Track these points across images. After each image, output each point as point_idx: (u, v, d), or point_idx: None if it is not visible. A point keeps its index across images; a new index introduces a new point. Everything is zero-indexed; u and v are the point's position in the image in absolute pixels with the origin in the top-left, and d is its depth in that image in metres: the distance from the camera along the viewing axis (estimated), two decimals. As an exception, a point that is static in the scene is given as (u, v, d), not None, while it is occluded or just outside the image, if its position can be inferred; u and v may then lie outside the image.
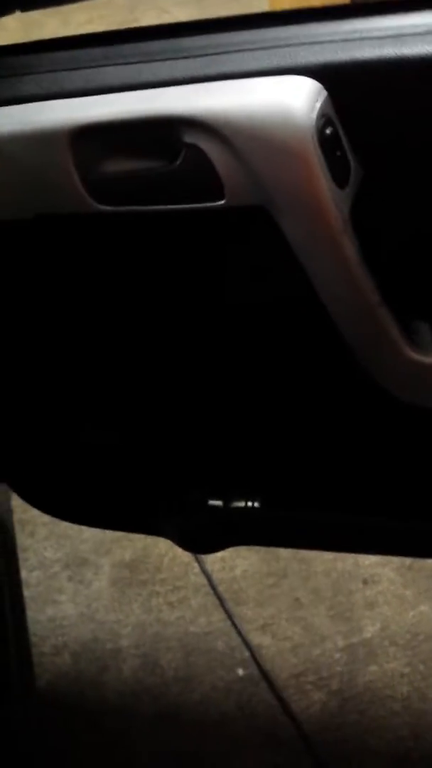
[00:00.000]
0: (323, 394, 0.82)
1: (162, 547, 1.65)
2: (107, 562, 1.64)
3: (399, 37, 0.60)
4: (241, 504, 0.93)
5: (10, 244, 0.75)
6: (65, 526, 1.71)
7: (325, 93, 0.60)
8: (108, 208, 0.67)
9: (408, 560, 1.55)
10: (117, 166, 0.65)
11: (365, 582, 1.53)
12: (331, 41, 0.61)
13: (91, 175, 0.65)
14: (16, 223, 0.72)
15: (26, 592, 1.50)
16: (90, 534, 1.69)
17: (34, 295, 0.81)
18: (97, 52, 0.68)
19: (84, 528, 1.69)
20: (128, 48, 0.67)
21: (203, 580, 1.59)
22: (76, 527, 1.69)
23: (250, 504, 0.93)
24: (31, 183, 0.68)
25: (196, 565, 1.62)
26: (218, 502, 0.94)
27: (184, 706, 1.41)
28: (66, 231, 0.72)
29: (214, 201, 0.64)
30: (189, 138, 0.62)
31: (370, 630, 1.46)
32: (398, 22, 0.61)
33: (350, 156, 0.63)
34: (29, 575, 1.61)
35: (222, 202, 0.64)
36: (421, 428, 0.81)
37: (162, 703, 1.41)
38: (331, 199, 0.62)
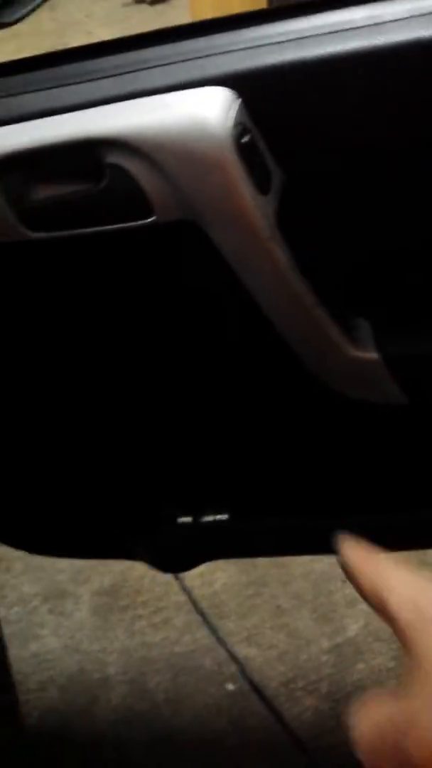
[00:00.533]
0: (274, 399, 0.83)
1: (140, 570, 1.64)
2: (86, 591, 1.63)
3: (299, 39, 0.61)
4: (210, 518, 0.93)
5: None
6: (40, 558, 1.70)
7: (238, 101, 0.61)
8: (41, 234, 0.67)
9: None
10: (44, 192, 0.65)
11: (344, 580, 1.52)
12: (238, 49, 0.62)
13: (19, 203, 0.65)
14: None
15: (7, 630, 1.48)
16: (66, 564, 1.67)
17: None
18: (11, 81, 0.68)
19: (60, 558, 1.68)
20: (41, 74, 0.67)
21: (184, 598, 1.59)
22: (51, 558, 1.68)
23: (218, 517, 0.93)
24: None
25: (176, 583, 1.61)
26: (188, 519, 0.94)
27: (177, 728, 1.40)
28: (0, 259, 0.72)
29: (144, 219, 0.64)
30: (111, 158, 0.62)
31: (353, 628, 1.47)
32: (300, 26, 0.62)
33: (270, 162, 0.64)
34: (9, 612, 1.59)
35: (152, 219, 0.64)
36: (370, 423, 0.81)
37: (155, 727, 1.40)
38: (254, 206, 0.63)
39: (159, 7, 4.31)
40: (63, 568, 1.68)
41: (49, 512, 1.02)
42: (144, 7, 4.36)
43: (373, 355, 0.74)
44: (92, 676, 1.49)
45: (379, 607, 0.39)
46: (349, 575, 0.42)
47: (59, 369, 0.83)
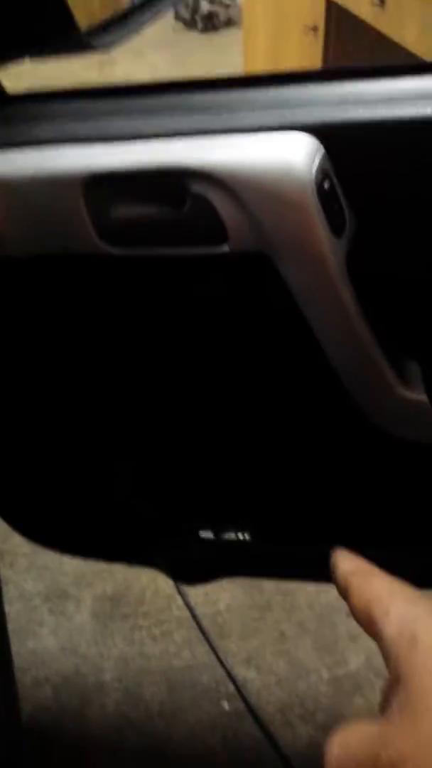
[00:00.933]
0: (319, 432, 0.86)
1: (144, 580, 1.64)
2: (89, 595, 1.62)
3: (389, 100, 0.65)
4: (232, 536, 0.95)
5: (16, 281, 0.77)
6: (46, 557, 1.69)
7: (322, 150, 0.64)
8: (117, 250, 0.69)
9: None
10: (127, 211, 0.68)
11: (349, 614, 1.53)
12: (327, 102, 0.66)
13: (101, 219, 0.68)
14: (25, 260, 0.74)
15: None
16: (71, 566, 1.67)
17: (35, 329, 0.83)
18: (109, 104, 0.71)
19: (65, 560, 1.68)
20: (137, 101, 0.71)
21: (186, 614, 1.58)
22: (56, 559, 1.67)
23: (241, 536, 0.95)
24: (43, 223, 0.71)
25: (178, 598, 1.61)
26: (209, 534, 0.96)
27: (169, 740, 1.39)
28: (75, 271, 0.75)
29: (218, 246, 0.68)
30: (196, 188, 0.65)
31: (354, 662, 1.47)
32: (389, 87, 0.66)
33: (345, 208, 0.68)
34: (9, 608, 1.58)
35: (225, 247, 0.67)
36: (412, 462, 0.84)
37: (146, 737, 1.39)
38: (328, 247, 0.66)
39: (209, 36, 4.43)
40: (67, 570, 1.67)
41: (75, 510, 1.03)
42: (194, 33, 4.49)
43: (421, 396, 0.77)
44: (88, 679, 1.48)
45: (366, 620, 0.37)
46: (341, 587, 0.40)
47: (116, 376, 0.86)
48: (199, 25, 4.57)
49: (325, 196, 0.65)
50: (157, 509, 0.99)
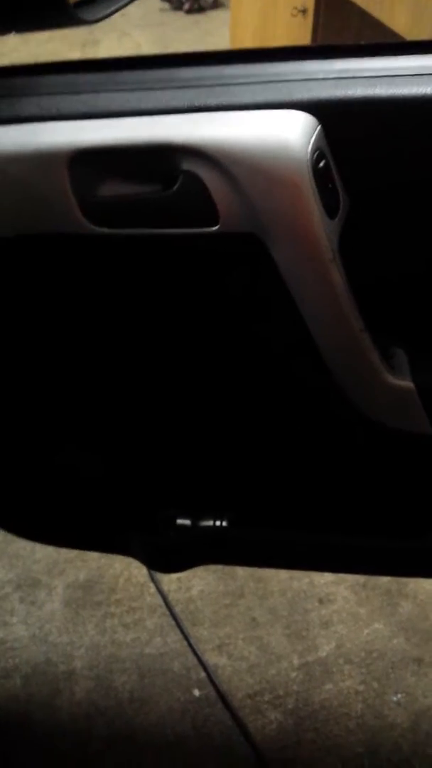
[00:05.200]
0: (303, 417, 0.84)
1: (117, 568, 1.64)
2: (60, 583, 1.62)
3: (390, 77, 0.63)
4: (210, 523, 0.94)
5: (1, 260, 0.75)
6: (17, 545, 1.68)
7: (319, 127, 0.62)
8: (104, 230, 0.67)
9: (362, 579, 1.56)
10: (114, 189, 0.66)
11: (321, 601, 1.53)
12: (325, 78, 0.64)
13: (87, 198, 0.66)
14: (10, 239, 0.72)
15: (-24, 614, 1.47)
16: (43, 554, 1.66)
17: (18, 310, 0.81)
18: (96, 77, 0.69)
19: (37, 548, 1.67)
20: (126, 75, 0.68)
21: (159, 601, 1.58)
22: (28, 547, 1.66)
23: (218, 523, 0.93)
24: (27, 202, 0.68)
25: (151, 585, 1.61)
26: (187, 521, 0.94)
27: (139, 727, 1.38)
28: (59, 250, 0.73)
29: (209, 226, 0.66)
30: (187, 165, 0.63)
31: (325, 648, 1.47)
32: (389, 64, 0.64)
33: (340, 189, 0.66)
34: (-20, 596, 1.57)
35: (216, 227, 0.65)
36: (396, 449, 0.83)
37: (116, 725, 1.39)
38: (321, 229, 0.65)
39: (195, 17, 4.38)
40: (39, 558, 1.66)
41: (47, 499, 1.01)
42: (180, 14, 4.43)
43: (408, 383, 0.76)
44: (58, 668, 1.47)
45: None
46: None
47: (94, 359, 0.84)
48: (185, 5, 4.51)
49: (320, 176, 0.63)
50: (133, 496, 0.98)
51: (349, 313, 0.70)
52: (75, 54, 3.84)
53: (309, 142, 0.61)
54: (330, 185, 0.64)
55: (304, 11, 2.43)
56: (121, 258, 0.73)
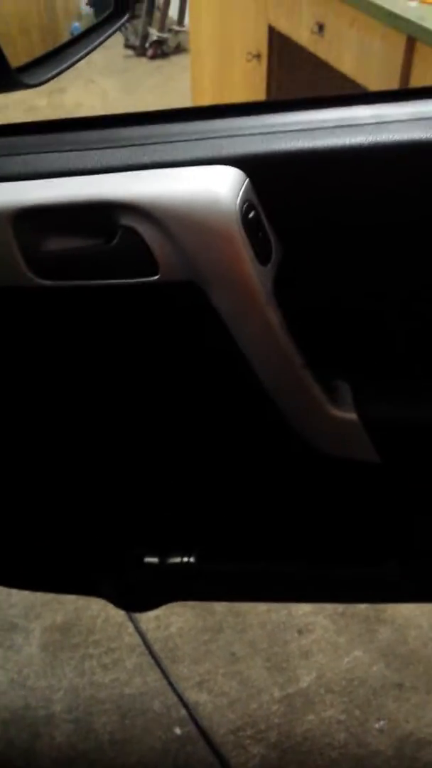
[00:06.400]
0: (254, 453, 0.86)
1: (95, 609, 1.62)
2: (38, 626, 1.60)
3: (311, 131, 0.66)
4: (177, 560, 0.94)
5: None
6: (-6, 590, 1.67)
7: (247, 180, 0.66)
8: (48, 282, 0.70)
9: (340, 607, 1.56)
10: (57, 244, 0.69)
11: (300, 631, 1.53)
12: (252, 134, 0.68)
13: (32, 252, 0.68)
14: None
15: None
16: (19, 597, 1.65)
17: None
18: (38, 139, 0.72)
19: (13, 591, 1.65)
20: (67, 136, 0.72)
21: (138, 640, 1.57)
22: (4, 591, 1.65)
23: (186, 559, 0.94)
24: None
25: (130, 624, 1.59)
26: (154, 559, 0.95)
27: (120, 770, 1.36)
28: (5, 303, 0.75)
29: (149, 276, 0.68)
30: (125, 220, 0.66)
31: (306, 679, 1.46)
32: (310, 117, 0.68)
33: (271, 236, 0.69)
34: None
35: (156, 277, 0.68)
36: (344, 479, 0.85)
37: (98, 767, 1.37)
38: (255, 275, 0.68)
39: (158, 62, 4.48)
40: (15, 601, 1.65)
41: (14, 543, 1.01)
42: (143, 60, 4.53)
43: (351, 415, 0.78)
44: (37, 712, 1.45)
45: None
46: None
47: (51, 406, 0.85)
48: (149, 51, 4.62)
49: (250, 226, 0.66)
50: (100, 537, 0.98)
51: (288, 352, 0.73)
52: (42, 101, 3.91)
53: (238, 195, 0.64)
54: (260, 234, 0.67)
55: (258, 56, 2.51)
56: (67, 309, 0.75)
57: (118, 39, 4.65)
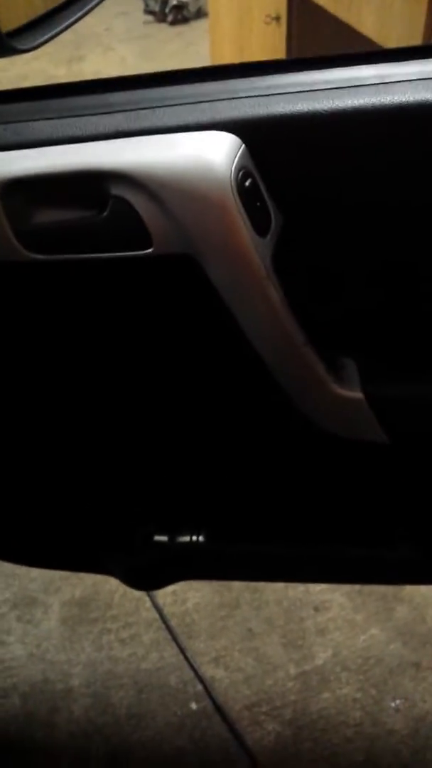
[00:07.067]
0: (260, 432, 0.84)
1: (113, 583, 1.63)
2: (57, 601, 1.62)
3: (311, 92, 0.63)
4: (186, 538, 0.94)
5: None
6: (12, 564, 1.69)
7: (243, 146, 0.63)
8: (39, 256, 0.68)
9: (358, 585, 1.56)
10: (47, 216, 0.66)
11: (316, 609, 1.53)
12: (248, 96, 0.64)
13: (21, 225, 0.66)
14: None
15: (-27, 635, 1.47)
16: (38, 572, 1.66)
17: None
18: (26, 106, 0.69)
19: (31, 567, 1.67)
20: (56, 103, 0.69)
21: (155, 615, 1.58)
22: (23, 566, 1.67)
23: (195, 538, 0.94)
24: None
25: (147, 600, 1.60)
26: (164, 538, 0.95)
27: (137, 743, 1.38)
28: None
29: (142, 249, 0.66)
30: (116, 190, 0.63)
31: (322, 657, 1.46)
32: (311, 78, 0.64)
33: (270, 205, 0.66)
34: (-24, 617, 1.58)
35: (150, 250, 0.66)
36: (352, 458, 0.83)
37: (114, 741, 1.39)
38: (252, 247, 0.65)
39: (179, 28, 4.40)
40: (35, 576, 1.66)
41: (24, 521, 1.02)
42: (164, 26, 4.45)
43: (357, 394, 0.76)
44: (55, 686, 1.47)
45: None
46: None
47: (48, 384, 0.84)
48: (169, 17, 4.52)
49: (247, 195, 0.63)
50: (109, 515, 0.98)
51: (289, 328, 0.70)
52: (61, 71, 3.86)
53: (233, 162, 0.61)
54: (258, 203, 0.64)
55: (277, 19, 2.45)
56: (59, 284, 0.73)
57: (138, 5, 4.56)
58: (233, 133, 0.62)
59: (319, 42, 2.44)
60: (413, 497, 0.89)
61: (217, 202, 0.62)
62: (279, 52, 2.54)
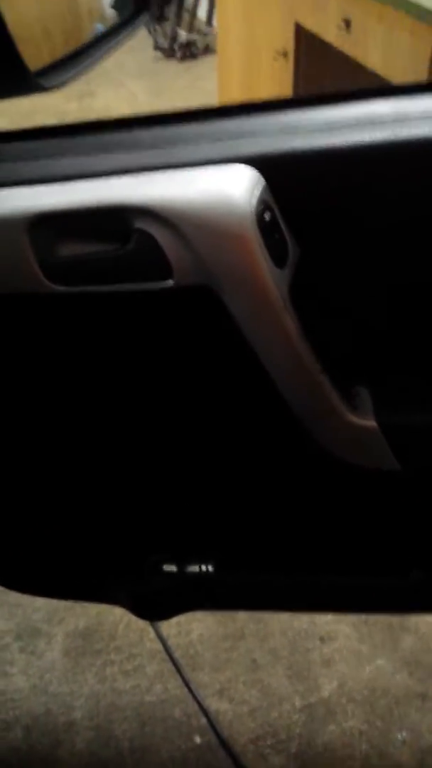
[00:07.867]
0: (273, 460, 0.85)
1: (117, 614, 1.62)
2: (60, 632, 1.60)
3: (328, 128, 0.65)
4: (196, 569, 0.93)
5: None
6: (17, 595, 1.67)
7: (263, 181, 0.64)
8: (63, 288, 0.69)
9: (364, 615, 1.54)
10: (72, 249, 0.68)
11: (322, 639, 1.51)
12: (267, 132, 0.66)
13: (47, 258, 0.68)
14: None
15: (-24, 666, 1.46)
16: (42, 603, 1.66)
17: None
18: (54, 143, 0.72)
19: (37, 597, 1.66)
20: (80, 140, 0.71)
21: (159, 646, 1.56)
22: (28, 596, 1.66)
23: (204, 568, 0.93)
24: None
25: (151, 631, 1.59)
26: (173, 568, 0.94)
27: (140, 778, 1.36)
28: (21, 310, 0.75)
29: (163, 281, 0.67)
30: (139, 224, 0.65)
31: (327, 688, 1.44)
32: (328, 114, 0.66)
33: (288, 238, 0.67)
34: (-20, 648, 1.56)
35: (170, 282, 0.67)
36: (365, 487, 0.83)
37: (117, 776, 1.37)
38: (271, 278, 0.66)
39: (187, 63, 4.48)
40: (39, 606, 1.66)
41: (34, 550, 1.01)
42: (173, 62, 4.54)
43: (370, 422, 0.76)
44: (58, 719, 1.46)
45: None
46: None
47: (65, 413, 0.85)
48: (178, 53, 4.62)
49: (266, 228, 0.65)
50: (118, 544, 0.98)
51: (305, 357, 0.71)
52: (72, 105, 3.94)
53: (253, 196, 0.63)
54: (276, 236, 0.66)
55: (285, 54, 2.48)
56: (82, 314, 0.74)
57: (147, 42, 4.66)
58: (252, 167, 0.64)
59: (326, 77, 2.47)
60: (426, 526, 0.88)
61: (238, 235, 0.64)
62: (286, 87, 2.57)
